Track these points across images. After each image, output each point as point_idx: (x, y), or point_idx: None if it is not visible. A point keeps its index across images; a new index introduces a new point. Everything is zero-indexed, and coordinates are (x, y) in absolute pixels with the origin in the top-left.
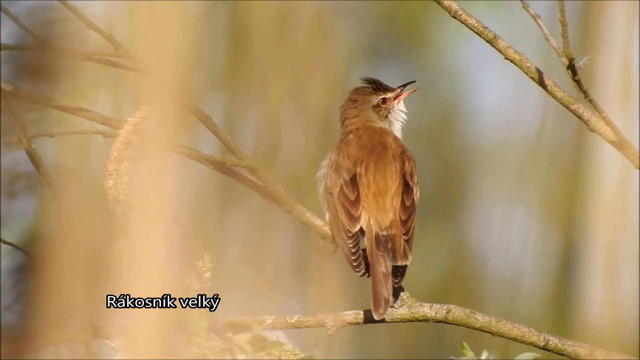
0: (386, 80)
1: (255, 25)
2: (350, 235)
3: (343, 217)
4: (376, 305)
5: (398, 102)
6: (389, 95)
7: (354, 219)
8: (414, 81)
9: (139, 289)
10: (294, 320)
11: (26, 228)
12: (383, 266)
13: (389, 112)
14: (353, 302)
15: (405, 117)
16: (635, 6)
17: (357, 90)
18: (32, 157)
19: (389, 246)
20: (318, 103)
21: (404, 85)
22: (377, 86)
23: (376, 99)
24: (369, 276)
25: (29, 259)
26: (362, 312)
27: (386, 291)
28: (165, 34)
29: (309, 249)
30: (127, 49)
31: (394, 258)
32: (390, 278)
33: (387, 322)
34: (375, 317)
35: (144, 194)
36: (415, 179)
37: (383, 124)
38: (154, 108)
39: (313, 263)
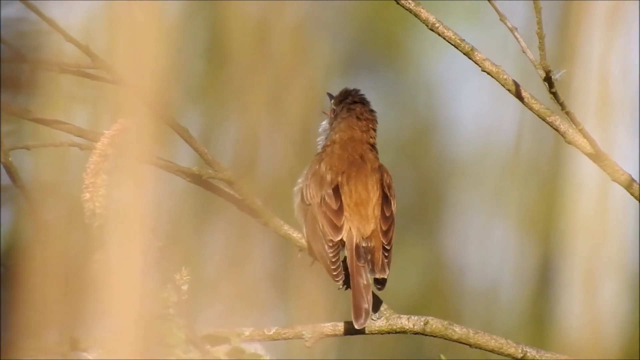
0: (364, 92)
1: (234, 38)
2: (332, 244)
3: (325, 226)
4: (357, 315)
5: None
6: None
7: (337, 228)
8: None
9: (116, 301)
10: (271, 333)
11: (3, 240)
12: (363, 277)
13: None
14: (331, 314)
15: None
16: (612, 18)
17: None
18: (9, 169)
19: (369, 257)
20: (296, 116)
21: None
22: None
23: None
24: (347, 288)
25: (6, 271)
26: (340, 324)
27: (366, 302)
28: (143, 46)
29: (287, 261)
30: (105, 61)
31: (373, 270)
32: (370, 289)
33: (365, 333)
34: (356, 327)
35: (121, 206)
36: (393, 191)
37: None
38: (131, 120)
39: (291, 275)
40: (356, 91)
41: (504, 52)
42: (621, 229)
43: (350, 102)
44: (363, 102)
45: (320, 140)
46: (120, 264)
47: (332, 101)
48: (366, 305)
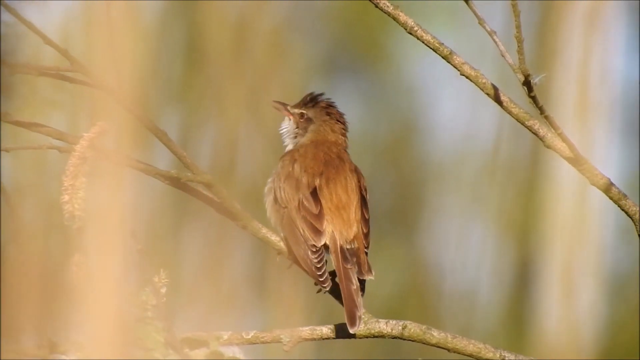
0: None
1: (212, 40)
2: (315, 249)
3: (306, 231)
4: (351, 322)
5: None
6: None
7: (319, 233)
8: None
9: (95, 304)
10: (250, 337)
11: None
12: (353, 281)
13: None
14: (309, 317)
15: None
16: (591, 22)
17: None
18: None
19: (354, 260)
20: (275, 118)
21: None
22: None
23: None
24: (325, 292)
25: None
26: (318, 328)
27: (358, 307)
28: (122, 49)
29: (266, 264)
30: (83, 64)
31: (360, 272)
32: (359, 292)
33: (343, 337)
34: (351, 332)
35: (100, 209)
36: (367, 194)
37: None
38: (110, 123)
39: (269, 278)
40: (324, 95)
41: (483, 56)
42: (599, 232)
43: (325, 105)
44: (332, 104)
45: (288, 143)
46: (99, 267)
47: (297, 104)
48: (359, 313)
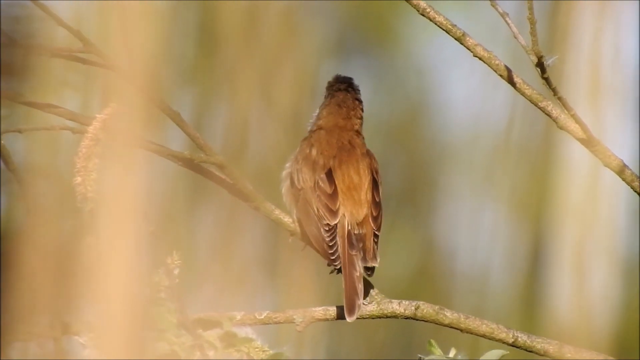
0: (356, 77)
1: (224, 22)
2: (328, 228)
3: (320, 209)
4: (349, 309)
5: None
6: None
7: (333, 212)
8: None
9: (107, 285)
10: (262, 317)
11: None
12: (356, 268)
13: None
14: (322, 298)
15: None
16: (603, 4)
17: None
18: (1, 153)
19: (360, 245)
20: (287, 99)
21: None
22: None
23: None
24: (338, 273)
25: None
26: (331, 308)
27: (358, 295)
28: (134, 31)
29: (278, 245)
30: (96, 45)
31: (364, 259)
32: (362, 279)
33: (357, 318)
34: (348, 320)
35: (113, 190)
36: (380, 177)
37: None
38: (123, 104)
39: (282, 259)
40: (345, 78)
41: (496, 38)
42: (612, 214)
43: (335, 89)
44: (348, 89)
45: (309, 125)
46: (111, 248)
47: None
48: (359, 301)
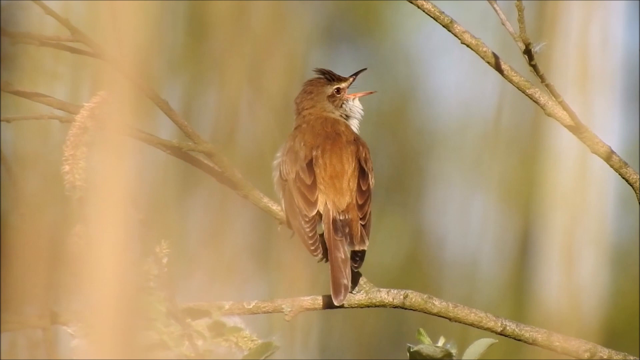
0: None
1: (213, 10)
2: (307, 219)
3: (300, 201)
4: (335, 291)
5: (354, 99)
6: (343, 85)
7: (311, 204)
8: (365, 68)
9: (96, 274)
10: (251, 306)
11: None
12: (341, 251)
13: (343, 102)
14: (311, 287)
15: (362, 113)
16: None
17: (311, 82)
18: None
19: (346, 231)
20: (276, 87)
21: (356, 74)
22: (331, 76)
23: (330, 89)
24: (327, 261)
25: None
26: (319, 298)
27: (345, 277)
28: (123, 19)
29: (267, 233)
30: (84, 34)
31: (352, 243)
32: (348, 263)
33: (345, 307)
34: (335, 303)
35: (101, 179)
36: (370, 164)
37: (338, 114)
38: (111, 93)
39: (271, 248)
40: (321, 70)
41: (484, 25)
42: (600, 201)
43: (320, 82)
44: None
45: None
46: (100, 237)
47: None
48: (345, 281)
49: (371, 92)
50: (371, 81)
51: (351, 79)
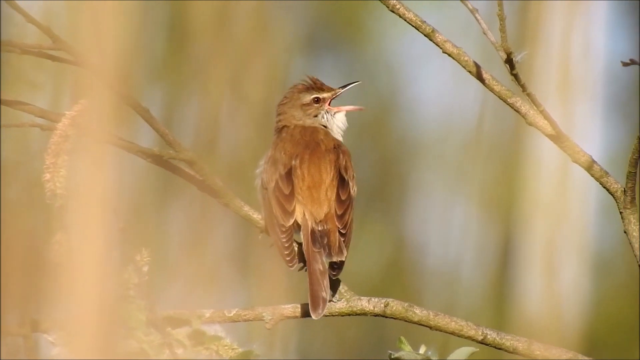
0: (325, 73)
1: (195, 18)
2: (284, 229)
3: (277, 210)
4: (314, 305)
5: (336, 112)
6: (324, 95)
7: (288, 213)
8: (358, 82)
9: (77, 282)
10: (232, 314)
11: None
12: (320, 263)
13: (321, 113)
14: (292, 295)
15: (343, 128)
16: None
17: (291, 88)
18: None
19: (325, 241)
20: (258, 95)
21: (345, 86)
22: (313, 84)
23: (307, 97)
24: (307, 269)
25: None
26: (300, 306)
27: (323, 290)
28: (105, 27)
29: (249, 242)
30: (66, 41)
31: (329, 254)
32: (327, 275)
33: (326, 316)
34: (314, 317)
35: (82, 187)
36: (351, 173)
37: (309, 122)
38: (93, 101)
39: (252, 256)
40: (308, 76)
41: (465, 34)
42: (581, 209)
43: (299, 90)
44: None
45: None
46: (81, 245)
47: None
48: (324, 294)
49: (359, 109)
50: (353, 90)
51: (338, 90)
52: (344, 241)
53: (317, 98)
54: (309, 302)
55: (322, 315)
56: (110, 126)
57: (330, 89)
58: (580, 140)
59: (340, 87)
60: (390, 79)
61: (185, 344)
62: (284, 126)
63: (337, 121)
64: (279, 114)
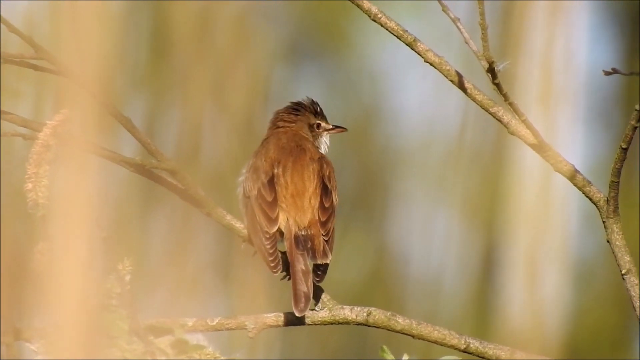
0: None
1: (177, 26)
2: (268, 236)
3: (261, 218)
4: (296, 301)
5: (327, 134)
6: (324, 124)
7: (272, 220)
8: (346, 129)
9: (59, 291)
10: (214, 323)
11: None
12: (302, 264)
13: (319, 136)
14: (274, 304)
15: (327, 150)
16: (555, 9)
17: (300, 103)
18: None
19: (308, 245)
20: (240, 104)
21: (337, 127)
22: (320, 111)
23: (314, 120)
24: (289, 279)
25: None
26: (282, 315)
27: (306, 287)
28: (86, 36)
29: (231, 251)
30: (48, 51)
31: (314, 257)
32: (310, 275)
33: (308, 324)
34: (296, 314)
35: (64, 197)
36: (334, 182)
37: (311, 141)
38: (74, 110)
39: (234, 265)
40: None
41: (447, 43)
42: (564, 218)
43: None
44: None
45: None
46: (63, 255)
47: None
48: (305, 290)
49: (343, 130)
50: (334, 97)
51: (331, 126)
52: (327, 243)
53: (319, 124)
54: (292, 299)
55: (304, 312)
56: (92, 136)
57: (326, 120)
58: (563, 150)
59: (334, 126)
60: (372, 87)
61: (167, 353)
62: (278, 127)
63: (325, 145)
64: (286, 120)
